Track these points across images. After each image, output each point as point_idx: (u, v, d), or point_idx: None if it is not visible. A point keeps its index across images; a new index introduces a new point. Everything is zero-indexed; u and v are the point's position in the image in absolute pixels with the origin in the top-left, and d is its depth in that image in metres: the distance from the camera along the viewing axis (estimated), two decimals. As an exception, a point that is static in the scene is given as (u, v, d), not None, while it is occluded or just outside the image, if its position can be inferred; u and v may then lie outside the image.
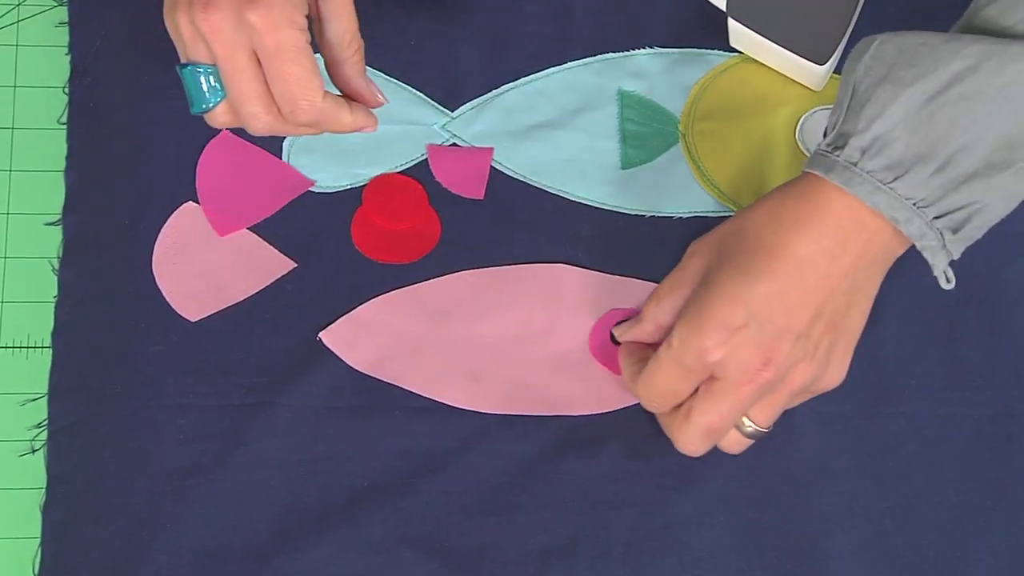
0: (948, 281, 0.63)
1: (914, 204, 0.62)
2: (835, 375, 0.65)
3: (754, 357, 0.63)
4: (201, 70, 0.63)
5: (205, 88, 0.63)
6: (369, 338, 0.72)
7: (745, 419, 0.66)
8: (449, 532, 0.68)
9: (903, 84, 0.62)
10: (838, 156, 0.63)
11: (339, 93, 0.67)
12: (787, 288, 0.62)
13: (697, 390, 0.65)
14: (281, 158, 0.76)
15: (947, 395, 0.72)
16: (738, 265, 0.63)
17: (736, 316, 0.62)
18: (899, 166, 0.62)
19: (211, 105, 0.64)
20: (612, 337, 0.72)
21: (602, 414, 0.71)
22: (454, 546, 0.68)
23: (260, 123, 0.64)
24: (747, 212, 0.65)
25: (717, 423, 0.64)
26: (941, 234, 0.62)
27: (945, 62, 0.61)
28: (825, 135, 0.65)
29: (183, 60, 0.63)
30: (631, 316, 0.73)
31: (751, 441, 0.67)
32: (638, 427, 0.71)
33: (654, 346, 0.67)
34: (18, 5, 0.79)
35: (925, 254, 0.63)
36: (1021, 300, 0.74)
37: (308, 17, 0.63)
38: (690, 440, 0.65)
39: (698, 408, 0.64)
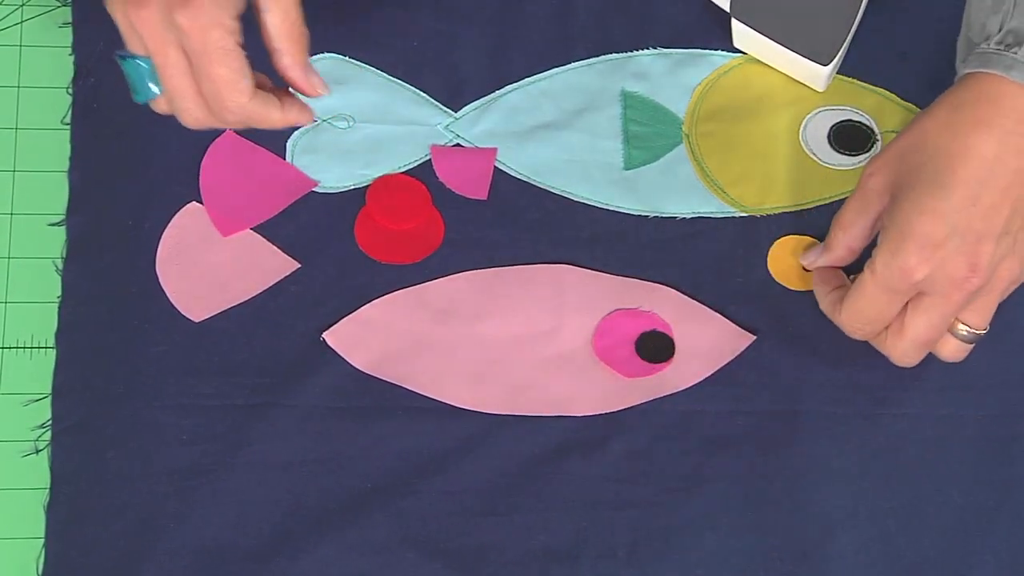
0: None
1: None
2: None
3: (960, 267, 0.63)
4: (141, 62, 0.63)
5: (147, 80, 0.64)
6: (372, 338, 0.72)
7: (960, 324, 0.67)
8: (451, 532, 0.68)
9: None
10: (1015, 54, 0.64)
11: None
12: (980, 192, 0.63)
13: (905, 306, 0.66)
14: (284, 158, 0.76)
15: (950, 395, 0.72)
16: (926, 178, 0.64)
17: (937, 230, 0.63)
18: None
19: (152, 96, 0.64)
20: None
21: (605, 414, 0.71)
22: (456, 547, 0.68)
23: (192, 118, 0.64)
24: (920, 123, 0.66)
25: (931, 335, 0.66)
26: None
27: None
28: (972, 37, 0.66)
29: (126, 50, 0.63)
30: (634, 316, 0.73)
31: (971, 346, 0.68)
32: (641, 428, 0.71)
33: (848, 269, 0.70)
34: (22, 6, 0.79)
35: None
36: (1026, 300, 0.74)
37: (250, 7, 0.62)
38: (906, 355, 0.67)
39: (910, 324, 0.66)
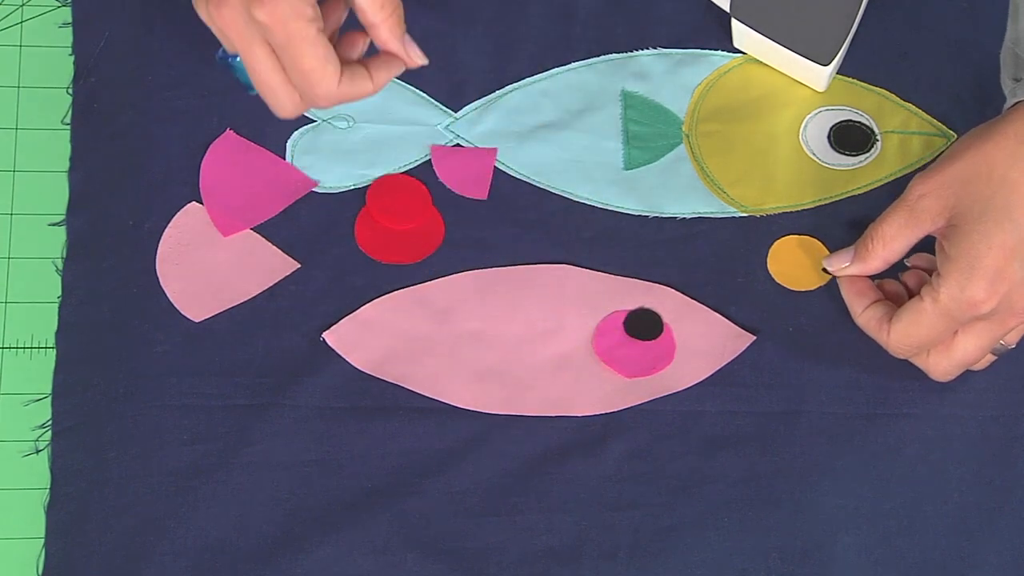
0: None
1: None
2: None
3: (1022, 298, 0.64)
4: (237, 60, 0.64)
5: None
6: (373, 338, 0.72)
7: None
8: (453, 533, 0.68)
9: None
10: None
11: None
12: None
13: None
14: (284, 158, 0.76)
15: (951, 395, 0.72)
16: (994, 210, 0.64)
17: (1006, 265, 0.64)
18: None
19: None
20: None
21: (606, 414, 0.71)
22: (458, 547, 0.68)
23: (285, 111, 0.65)
24: (983, 150, 0.66)
25: (978, 355, 0.68)
26: None
27: None
28: (1022, 55, 0.66)
29: (223, 50, 0.65)
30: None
31: (996, 357, 0.70)
32: (641, 428, 0.71)
33: (883, 286, 0.70)
34: (22, 6, 0.79)
35: None
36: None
37: None
38: (947, 373, 0.69)
39: (959, 345, 0.67)
